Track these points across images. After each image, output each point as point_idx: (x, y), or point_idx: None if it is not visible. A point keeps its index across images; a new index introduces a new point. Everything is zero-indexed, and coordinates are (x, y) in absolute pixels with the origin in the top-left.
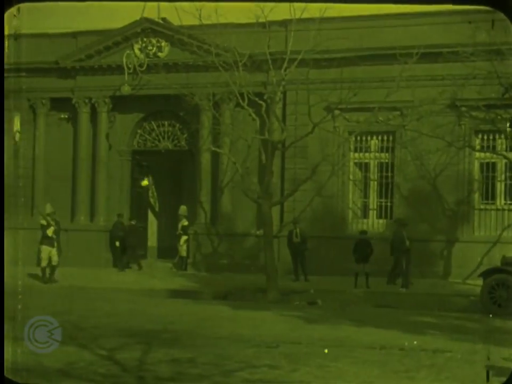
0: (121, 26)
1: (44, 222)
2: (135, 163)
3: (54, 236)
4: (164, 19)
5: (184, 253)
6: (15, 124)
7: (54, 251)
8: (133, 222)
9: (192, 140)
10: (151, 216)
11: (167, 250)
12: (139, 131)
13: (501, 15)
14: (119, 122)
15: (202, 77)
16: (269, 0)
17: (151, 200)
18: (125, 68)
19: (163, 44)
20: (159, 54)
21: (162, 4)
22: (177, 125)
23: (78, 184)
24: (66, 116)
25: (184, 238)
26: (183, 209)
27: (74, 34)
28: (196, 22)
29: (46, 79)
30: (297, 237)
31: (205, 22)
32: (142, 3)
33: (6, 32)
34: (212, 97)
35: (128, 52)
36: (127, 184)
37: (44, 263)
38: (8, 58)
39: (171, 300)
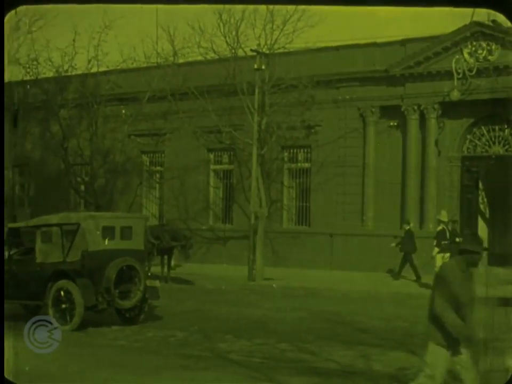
0: (450, 32)
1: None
2: (464, 169)
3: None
4: (494, 21)
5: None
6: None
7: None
8: (406, 227)
9: None
10: (481, 223)
11: (499, 257)
12: (468, 136)
13: None
14: (447, 128)
15: None
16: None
17: (481, 206)
18: (454, 73)
19: (493, 46)
20: (489, 57)
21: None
22: (508, 129)
23: (407, 191)
24: (395, 124)
25: (436, 250)
26: (443, 214)
27: (403, 42)
28: None
29: (376, 88)
30: None
31: None
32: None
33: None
34: None
35: (457, 56)
36: (456, 191)
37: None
38: (340, 68)
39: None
